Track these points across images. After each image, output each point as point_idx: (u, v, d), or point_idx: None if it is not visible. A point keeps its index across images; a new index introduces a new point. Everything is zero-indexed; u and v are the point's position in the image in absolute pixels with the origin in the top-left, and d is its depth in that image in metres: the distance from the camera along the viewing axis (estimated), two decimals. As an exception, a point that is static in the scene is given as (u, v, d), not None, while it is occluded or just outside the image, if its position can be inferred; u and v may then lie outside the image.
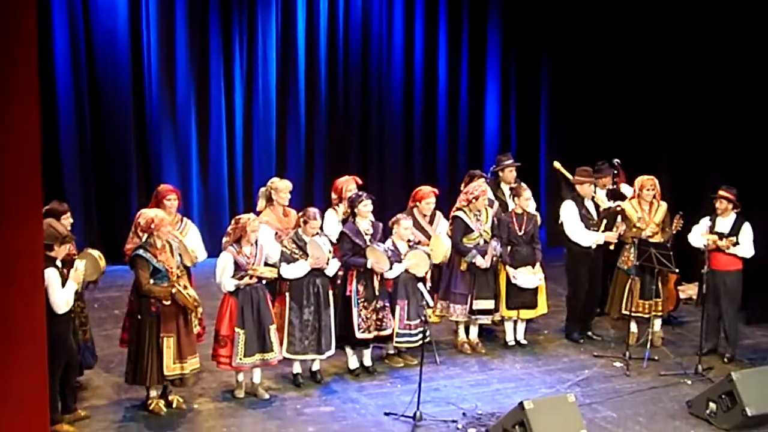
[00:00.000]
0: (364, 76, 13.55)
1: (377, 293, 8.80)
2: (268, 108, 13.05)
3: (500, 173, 10.29)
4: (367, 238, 8.77)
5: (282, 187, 9.12)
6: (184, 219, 9.04)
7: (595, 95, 13.57)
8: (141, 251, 7.75)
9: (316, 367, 8.79)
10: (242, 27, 12.81)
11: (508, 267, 9.48)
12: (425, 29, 13.73)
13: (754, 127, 10.86)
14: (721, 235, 9.19)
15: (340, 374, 8.96)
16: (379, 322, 8.84)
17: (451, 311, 9.47)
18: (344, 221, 9.09)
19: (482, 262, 9.28)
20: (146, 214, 7.96)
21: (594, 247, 9.71)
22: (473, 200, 9.33)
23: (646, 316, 9.63)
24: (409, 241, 9.02)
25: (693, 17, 11.71)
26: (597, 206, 9.89)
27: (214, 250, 9.10)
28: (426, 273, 9.01)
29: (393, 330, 8.94)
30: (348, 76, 13.45)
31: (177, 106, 12.65)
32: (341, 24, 13.31)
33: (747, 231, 9.24)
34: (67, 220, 8.12)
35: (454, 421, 7.92)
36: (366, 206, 8.82)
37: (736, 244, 9.19)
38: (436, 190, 9.57)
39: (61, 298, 7.19)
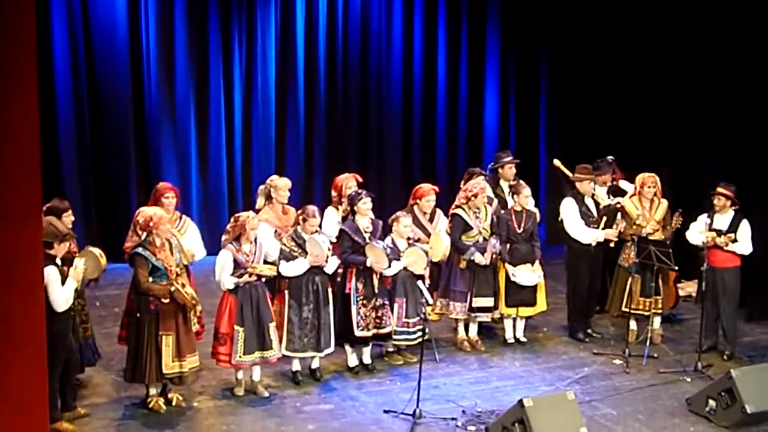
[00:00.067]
0: (363, 74, 13.55)
1: (377, 291, 8.80)
2: (267, 106, 13.05)
3: (500, 170, 10.29)
4: (367, 235, 8.77)
5: (281, 184, 9.12)
6: (183, 217, 9.03)
7: (594, 93, 13.57)
8: (140, 249, 7.75)
9: (315, 364, 8.79)
10: (241, 25, 12.82)
11: (507, 264, 9.48)
12: (424, 27, 13.74)
13: (753, 124, 10.86)
14: (719, 232, 9.20)
15: (339, 372, 8.97)
16: (378, 320, 8.85)
17: (451, 309, 9.48)
18: (344, 219, 9.09)
19: (481, 259, 9.28)
20: (145, 212, 7.96)
21: (594, 244, 9.72)
22: (472, 198, 9.33)
23: (647, 313, 9.63)
24: (408, 238, 9.02)
25: (692, 14, 11.70)
26: (597, 204, 9.89)
27: (213, 247, 9.11)
28: (424, 270, 9.01)
29: (392, 328, 8.95)
30: (347, 74, 13.46)
31: (176, 103, 12.66)
32: (340, 22, 13.31)
33: (745, 228, 9.24)
34: (69, 217, 8.12)
35: (453, 419, 7.93)
36: (365, 204, 8.81)
37: (734, 241, 9.20)
38: (436, 188, 9.56)
39: (61, 296, 7.19)
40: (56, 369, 7.23)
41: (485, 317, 9.60)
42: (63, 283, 7.24)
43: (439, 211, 9.57)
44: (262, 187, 9.25)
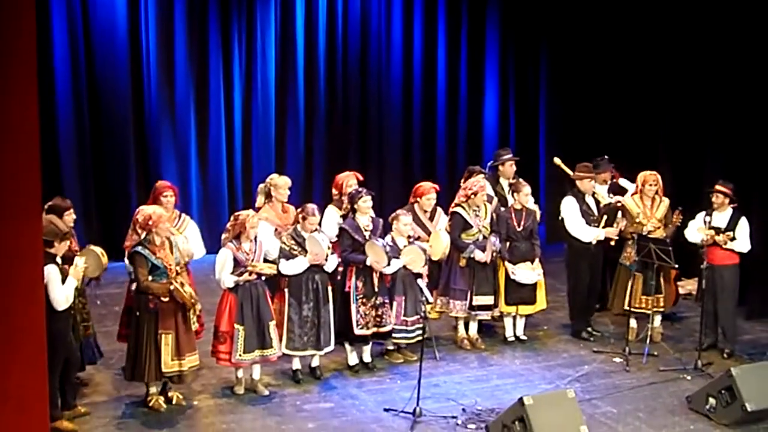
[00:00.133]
0: (363, 73, 13.55)
1: (376, 289, 8.81)
2: (267, 105, 13.06)
3: (500, 168, 10.27)
4: (367, 234, 8.77)
5: (281, 183, 9.13)
6: (183, 215, 9.04)
7: (594, 91, 13.58)
8: (140, 248, 7.76)
9: (315, 363, 8.80)
10: (241, 24, 12.83)
11: (506, 263, 9.48)
12: (424, 26, 13.74)
13: (752, 123, 10.85)
14: (717, 230, 9.20)
15: (339, 370, 8.97)
16: (378, 319, 8.85)
17: (451, 307, 9.48)
18: (344, 217, 9.09)
19: (482, 256, 9.28)
20: (144, 211, 7.96)
21: (594, 243, 9.72)
22: (472, 196, 9.33)
23: (649, 312, 9.64)
24: (408, 237, 9.03)
25: (692, 13, 11.70)
26: (597, 202, 9.89)
27: (213, 246, 9.12)
28: (423, 267, 9.01)
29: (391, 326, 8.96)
30: (347, 73, 13.46)
31: (176, 103, 12.67)
32: (340, 21, 13.31)
33: (743, 226, 9.25)
34: (70, 216, 8.12)
35: (453, 417, 7.92)
36: (366, 202, 8.82)
37: (733, 239, 9.20)
38: (436, 186, 9.57)
39: (61, 295, 7.19)
40: (56, 367, 7.24)
41: (485, 315, 9.61)
42: (63, 281, 7.25)
43: (439, 209, 9.57)
44: (261, 185, 9.26)
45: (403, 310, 8.97)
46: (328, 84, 13.36)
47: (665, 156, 12.07)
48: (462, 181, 9.84)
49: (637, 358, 9.25)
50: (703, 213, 9.34)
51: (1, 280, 5.14)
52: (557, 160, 10.69)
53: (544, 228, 12.06)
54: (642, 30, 12.52)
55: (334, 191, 9.45)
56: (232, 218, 8.33)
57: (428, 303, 8.68)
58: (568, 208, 9.77)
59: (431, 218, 9.50)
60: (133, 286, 8.24)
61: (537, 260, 9.60)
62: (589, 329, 10.01)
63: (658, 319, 9.84)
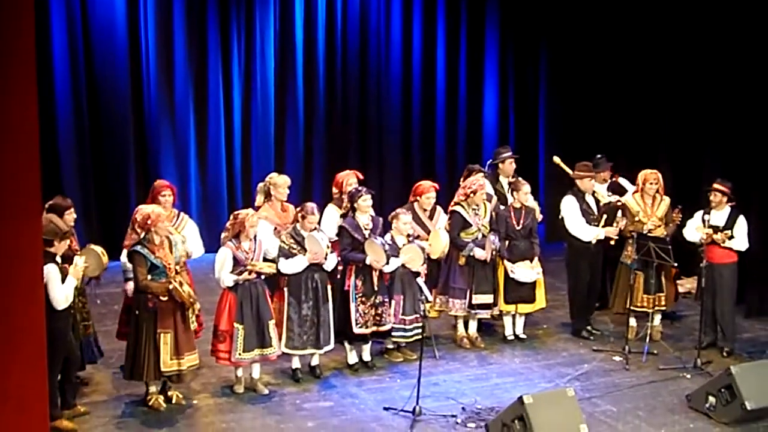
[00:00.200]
0: (363, 72, 13.56)
1: (376, 288, 8.81)
2: (266, 104, 13.06)
3: (500, 165, 10.26)
4: (367, 233, 8.78)
5: (280, 182, 9.13)
6: (181, 214, 9.05)
7: (593, 89, 13.58)
8: (139, 247, 7.76)
9: (315, 362, 8.81)
10: (240, 24, 12.83)
11: (506, 261, 9.49)
12: (423, 24, 13.75)
13: (752, 122, 10.86)
14: (716, 229, 9.20)
15: (339, 369, 8.98)
16: (377, 318, 8.85)
17: (450, 306, 9.49)
18: (344, 216, 9.09)
19: (482, 254, 9.28)
20: (143, 210, 7.96)
21: (594, 242, 9.72)
22: (471, 194, 9.34)
23: (650, 310, 9.64)
24: (408, 235, 9.03)
25: (692, 13, 11.70)
26: (597, 201, 9.89)
27: (212, 245, 9.11)
28: (422, 266, 9.01)
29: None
30: (346, 72, 13.47)
31: (175, 102, 12.67)
32: (339, 19, 13.32)
33: (742, 224, 9.25)
34: (71, 215, 8.12)
35: (453, 416, 7.93)
36: (366, 201, 8.82)
37: (731, 237, 9.21)
38: (436, 185, 9.58)
39: (61, 294, 7.20)
40: (56, 367, 7.24)
41: (485, 314, 9.61)
42: (63, 280, 7.25)
43: (439, 208, 9.57)
44: (261, 184, 9.26)
45: (402, 309, 8.97)
46: (327, 83, 13.37)
47: (665, 155, 12.07)
48: (461, 179, 9.84)
49: (636, 356, 9.26)
50: (702, 212, 9.35)
51: (1, 279, 5.14)
52: (557, 159, 10.69)
53: (544, 227, 12.06)
54: (642, 30, 12.52)
55: (335, 190, 9.46)
56: (231, 217, 8.33)
57: (427, 302, 8.68)
58: (568, 207, 9.78)
59: (431, 217, 9.50)
60: (128, 285, 8.28)
61: (536, 259, 9.60)
62: (589, 328, 10.02)
63: (657, 317, 9.85)
